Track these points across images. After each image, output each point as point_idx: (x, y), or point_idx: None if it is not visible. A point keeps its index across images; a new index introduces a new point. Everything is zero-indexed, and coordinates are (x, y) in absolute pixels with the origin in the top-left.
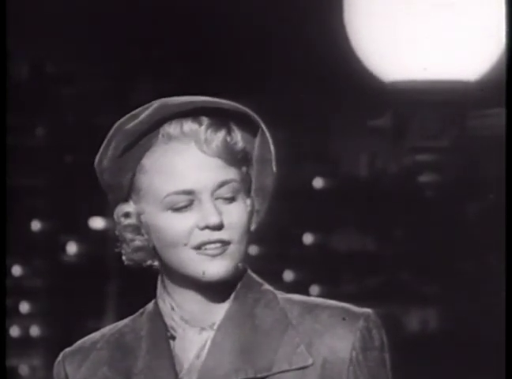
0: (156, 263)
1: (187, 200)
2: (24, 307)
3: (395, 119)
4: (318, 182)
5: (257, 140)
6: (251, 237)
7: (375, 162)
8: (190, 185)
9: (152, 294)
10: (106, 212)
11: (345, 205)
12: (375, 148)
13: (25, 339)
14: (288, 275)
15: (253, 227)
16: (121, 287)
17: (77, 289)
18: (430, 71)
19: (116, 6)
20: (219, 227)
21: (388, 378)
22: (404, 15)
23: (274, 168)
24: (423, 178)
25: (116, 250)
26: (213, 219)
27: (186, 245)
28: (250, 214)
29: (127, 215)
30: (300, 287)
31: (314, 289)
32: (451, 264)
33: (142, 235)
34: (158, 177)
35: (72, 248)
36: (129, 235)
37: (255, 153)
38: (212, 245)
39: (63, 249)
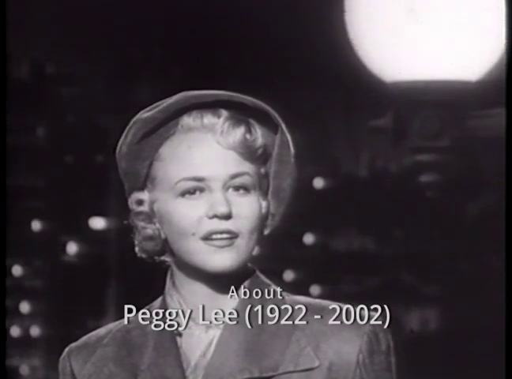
0: (168, 259)
1: (198, 188)
2: (25, 307)
3: (395, 119)
4: (318, 182)
5: (277, 139)
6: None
7: (376, 162)
8: (201, 173)
9: (152, 295)
10: (106, 212)
11: (346, 205)
12: (376, 148)
13: (25, 339)
14: (289, 275)
15: (266, 231)
16: (121, 287)
17: (77, 289)
18: (430, 71)
19: (116, 7)
20: (227, 217)
21: None
22: (404, 16)
23: (294, 170)
24: (424, 178)
25: (129, 240)
26: (222, 209)
27: (194, 234)
28: (265, 216)
29: (140, 202)
30: (301, 287)
31: (315, 289)
32: (451, 264)
33: (154, 224)
34: (173, 164)
35: (72, 248)
36: (141, 223)
37: (274, 153)
38: (219, 236)
39: (63, 250)
